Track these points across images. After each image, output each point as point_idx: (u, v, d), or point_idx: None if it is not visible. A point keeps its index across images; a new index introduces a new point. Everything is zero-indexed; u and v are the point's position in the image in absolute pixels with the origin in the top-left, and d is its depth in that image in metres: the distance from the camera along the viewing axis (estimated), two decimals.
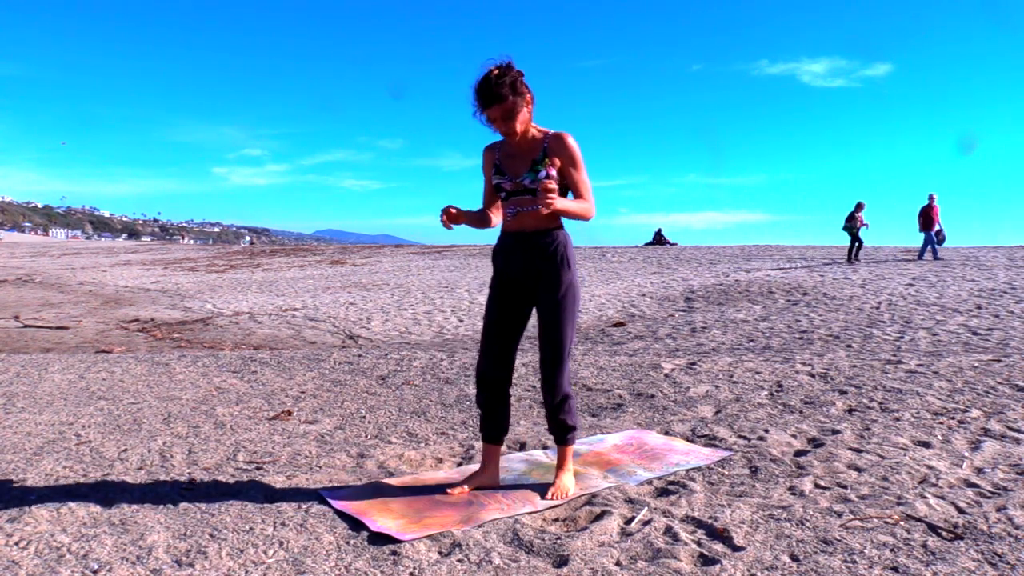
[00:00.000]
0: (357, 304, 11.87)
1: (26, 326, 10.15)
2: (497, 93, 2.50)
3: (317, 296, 13.20)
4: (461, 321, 9.90)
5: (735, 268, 15.23)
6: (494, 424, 2.80)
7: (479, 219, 2.79)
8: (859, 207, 16.42)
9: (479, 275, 15.99)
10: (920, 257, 15.96)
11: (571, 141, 2.60)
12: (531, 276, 2.67)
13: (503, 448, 3.36)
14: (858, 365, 5.17)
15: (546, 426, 3.76)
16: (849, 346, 6.76)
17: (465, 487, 2.75)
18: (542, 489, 2.75)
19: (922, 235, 15.88)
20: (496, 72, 2.51)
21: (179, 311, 11.77)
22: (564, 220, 2.68)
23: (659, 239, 26.30)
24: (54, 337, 9.14)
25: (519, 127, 2.58)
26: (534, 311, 2.75)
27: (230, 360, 6.06)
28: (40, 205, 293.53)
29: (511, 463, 3.10)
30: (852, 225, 16.34)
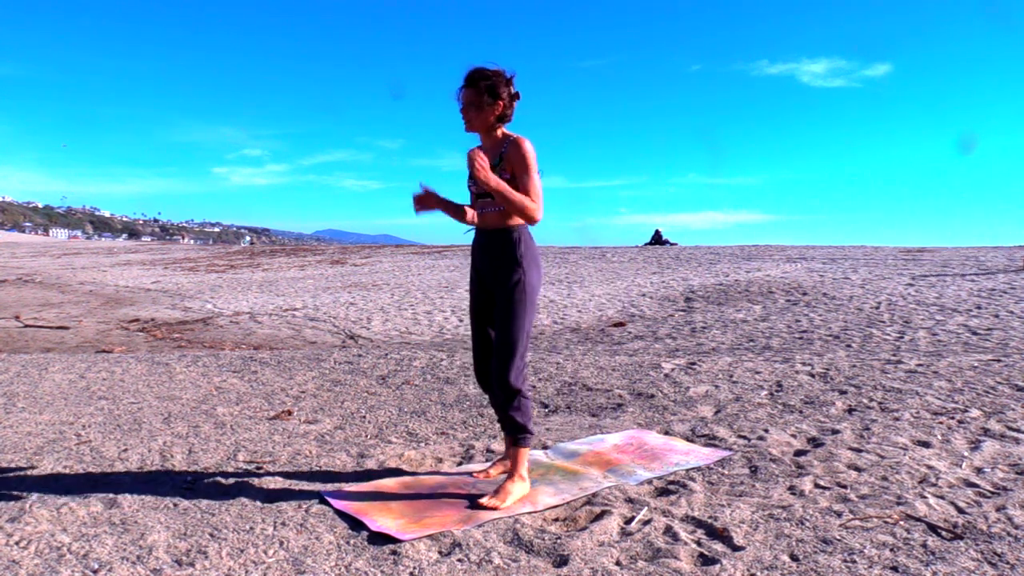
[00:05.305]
0: (357, 304, 11.86)
1: (26, 326, 10.15)
2: (473, 80, 2.65)
3: (317, 296, 13.20)
4: (461, 321, 9.90)
5: (735, 268, 15.22)
6: None
7: (456, 211, 2.82)
8: None
9: None
10: None
11: (525, 147, 2.61)
12: (491, 272, 2.74)
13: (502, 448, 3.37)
14: (858, 365, 5.17)
15: (545, 425, 3.77)
16: (849, 346, 6.75)
17: (491, 471, 2.91)
18: (542, 489, 2.76)
19: None
20: (488, 69, 2.65)
21: (179, 311, 11.77)
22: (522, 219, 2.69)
23: (657, 239, 26.29)
24: (54, 337, 9.14)
25: (476, 124, 2.68)
26: None
27: (230, 360, 6.07)
28: (40, 205, 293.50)
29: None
30: None
